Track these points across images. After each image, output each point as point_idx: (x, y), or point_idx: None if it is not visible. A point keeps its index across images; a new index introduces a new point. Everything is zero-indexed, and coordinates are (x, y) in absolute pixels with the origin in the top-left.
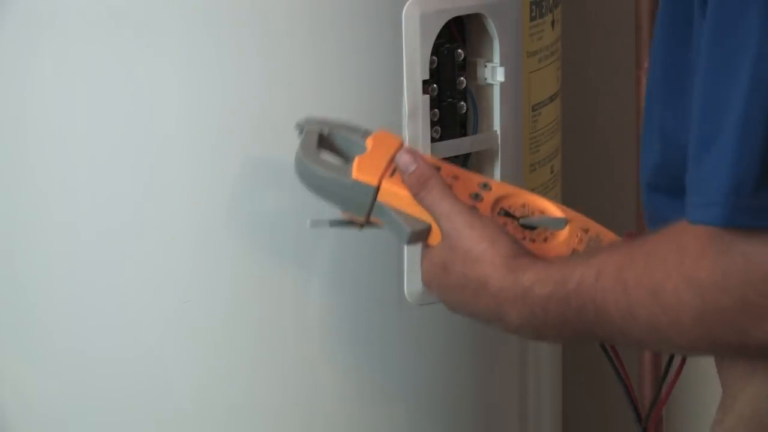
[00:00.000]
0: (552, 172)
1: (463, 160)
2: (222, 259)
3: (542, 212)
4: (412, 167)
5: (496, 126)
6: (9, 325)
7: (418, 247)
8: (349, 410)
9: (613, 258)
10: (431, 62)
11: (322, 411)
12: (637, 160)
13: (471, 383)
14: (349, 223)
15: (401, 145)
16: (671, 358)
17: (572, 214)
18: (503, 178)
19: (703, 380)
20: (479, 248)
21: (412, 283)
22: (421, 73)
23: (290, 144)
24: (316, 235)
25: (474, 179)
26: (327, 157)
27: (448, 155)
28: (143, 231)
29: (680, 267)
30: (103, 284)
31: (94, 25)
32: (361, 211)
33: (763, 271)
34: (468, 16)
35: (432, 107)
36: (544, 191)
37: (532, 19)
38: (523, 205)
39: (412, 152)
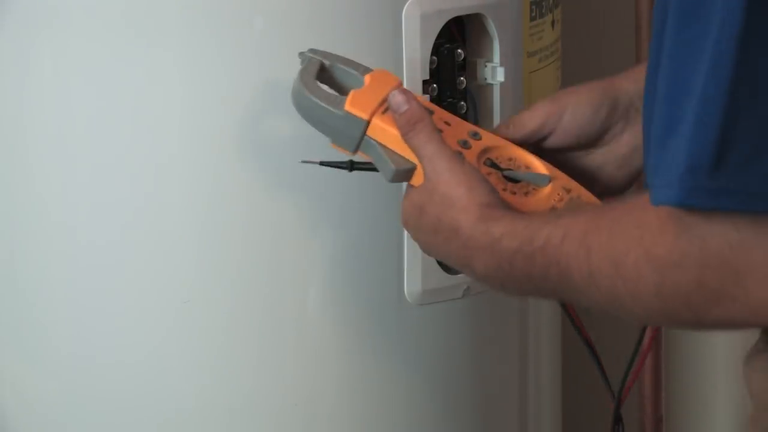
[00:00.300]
0: None
1: None
2: (222, 259)
3: (528, 167)
4: (404, 107)
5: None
6: (9, 325)
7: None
8: (349, 410)
9: (580, 222)
10: (431, 62)
11: (322, 411)
12: None
13: (471, 383)
14: (338, 164)
15: (398, 85)
16: (644, 328)
17: (557, 173)
18: None
19: (704, 380)
20: (456, 193)
21: (412, 283)
22: (421, 73)
23: (290, 143)
24: (316, 236)
25: (465, 127)
26: (326, 89)
27: None
28: (143, 231)
29: (641, 242)
30: (102, 284)
31: (94, 24)
32: (350, 144)
33: (719, 256)
34: (468, 16)
35: None
36: None
37: (532, 19)
38: (510, 159)
39: (407, 93)
